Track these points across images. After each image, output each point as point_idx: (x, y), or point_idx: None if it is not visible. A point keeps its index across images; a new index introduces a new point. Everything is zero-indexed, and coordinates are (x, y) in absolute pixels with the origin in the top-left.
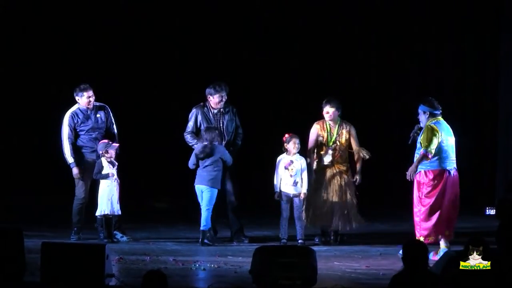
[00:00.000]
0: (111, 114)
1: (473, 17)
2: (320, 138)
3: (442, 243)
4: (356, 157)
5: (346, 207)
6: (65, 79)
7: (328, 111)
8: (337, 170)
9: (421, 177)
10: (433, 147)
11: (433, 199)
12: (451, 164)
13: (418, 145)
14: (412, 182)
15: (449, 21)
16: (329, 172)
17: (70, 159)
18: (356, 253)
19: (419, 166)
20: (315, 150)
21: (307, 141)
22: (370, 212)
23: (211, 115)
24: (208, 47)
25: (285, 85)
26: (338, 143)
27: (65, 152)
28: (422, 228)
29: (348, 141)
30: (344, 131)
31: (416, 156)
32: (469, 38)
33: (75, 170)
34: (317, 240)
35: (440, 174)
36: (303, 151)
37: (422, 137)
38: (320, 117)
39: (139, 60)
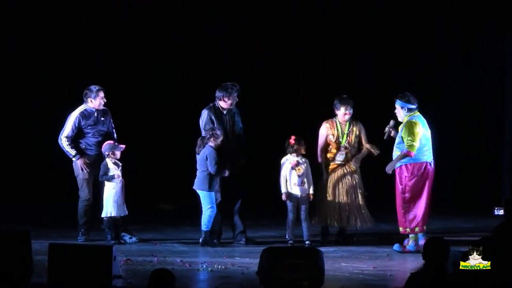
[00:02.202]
0: (111, 118)
1: (478, 17)
2: (331, 137)
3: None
4: (363, 148)
5: (356, 207)
6: (67, 81)
7: (348, 112)
8: (348, 169)
9: (402, 171)
10: (416, 144)
11: (414, 191)
12: (430, 156)
13: (399, 139)
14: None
15: (454, 21)
16: (340, 172)
17: (72, 151)
18: (363, 254)
19: (406, 161)
20: (326, 150)
21: (316, 141)
22: (376, 213)
23: (222, 116)
24: (208, 48)
25: (284, 85)
26: (350, 141)
27: (63, 146)
28: (407, 221)
29: (358, 138)
30: (354, 129)
31: (397, 151)
32: (475, 37)
33: (80, 161)
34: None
35: (420, 166)
36: (310, 152)
37: (403, 132)
38: (329, 116)
39: (143, 62)
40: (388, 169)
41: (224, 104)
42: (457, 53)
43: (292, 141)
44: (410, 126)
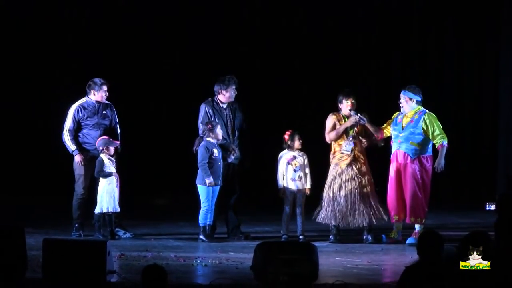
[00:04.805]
0: (115, 113)
1: (473, 18)
2: (338, 126)
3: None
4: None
5: (368, 202)
6: (66, 80)
7: (351, 102)
8: (357, 162)
9: (428, 163)
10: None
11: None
12: None
13: (419, 129)
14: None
15: (449, 23)
16: (349, 166)
17: (72, 146)
18: (358, 248)
19: (421, 152)
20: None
21: (317, 132)
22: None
23: (221, 110)
24: (206, 44)
25: (280, 82)
26: (357, 131)
27: (65, 141)
28: (425, 211)
29: (363, 129)
30: None
31: (412, 142)
32: (469, 37)
33: (77, 158)
34: (331, 238)
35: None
36: (308, 147)
37: (431, 125)
38: (333, 109)
39: (140, 57)
40: (442, 166)
41: (222, 97)
42: (452, 52)
43: (286, 136)
44: (435, 119)
